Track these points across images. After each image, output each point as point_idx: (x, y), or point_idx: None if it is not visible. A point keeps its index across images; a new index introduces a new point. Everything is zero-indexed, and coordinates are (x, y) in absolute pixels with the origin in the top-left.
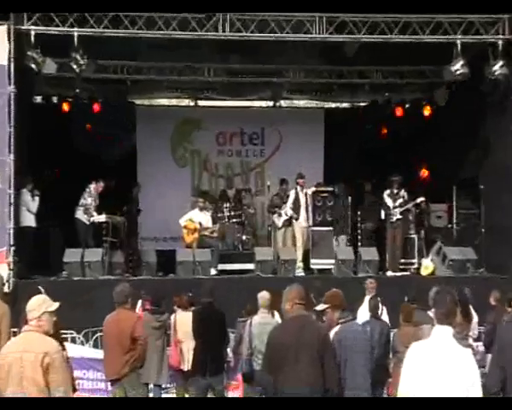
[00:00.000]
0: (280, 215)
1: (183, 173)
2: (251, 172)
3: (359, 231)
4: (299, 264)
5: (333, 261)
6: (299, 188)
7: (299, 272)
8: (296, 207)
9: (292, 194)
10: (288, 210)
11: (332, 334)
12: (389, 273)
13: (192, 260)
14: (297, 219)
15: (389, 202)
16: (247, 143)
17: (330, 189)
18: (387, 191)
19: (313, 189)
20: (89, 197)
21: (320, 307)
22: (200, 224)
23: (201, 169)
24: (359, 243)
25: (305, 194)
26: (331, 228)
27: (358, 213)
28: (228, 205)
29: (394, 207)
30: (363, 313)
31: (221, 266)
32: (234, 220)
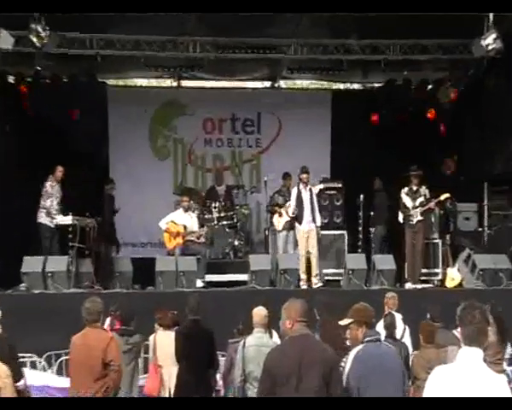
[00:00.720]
0: (281, 216)
1: (163, 167)
2: (244, 165)
3: (371, 236)
4: (302, 275)
5: (341, 271)
6: (301, 185)
7: (303, 284)
8: (299, 207)
9: (293, 192)
10: (291, 210)
11: (353, 353)
12: (408, 286)
13: (174, 270)
14: (300, 222)
15: (408, 201)
16: (239, 131)
17: (338, 185)
18: (406, 189)
19: (321, 186)
20: (48, 198)
21: (344, 321)
22: (185, 227)
23: (185, 162)
24: (372, 250)
25: (310, 191)
26: (343, 232)
27: (371, 213)
28: (217, 204)
29: (414, 208)
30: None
31: (209, 277)
32: (224, 223)
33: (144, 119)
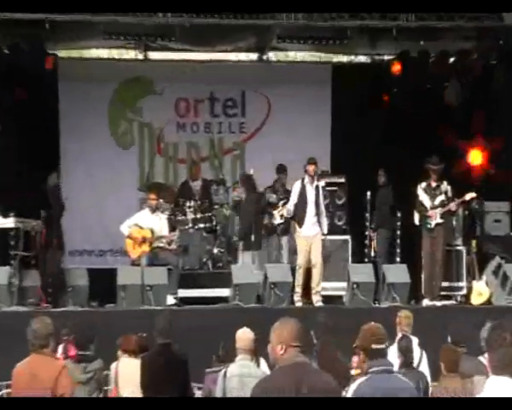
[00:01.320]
0: (272, 217)
1: (126, 158)
2: (226, 155)
3: (372, 242)
4: (297, 289)
5: (344, 285)
6: (307, 179)
7: (297, 301)
8: (301, 206)
9: (296, 186)
10: (288, 209)
11: (352, 388)
12: (425, 303)
13: (140, 284)
14: (301, 226)
15: (425, 199)
16: (219, 114)
17: (341, 180)
18: (423, 184)
19: (321, 183)
20: None
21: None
22: (152, 231)
23: (154, 151)
24: (380, 259)
25: (316, 189)
26: (346, 237)
27: (373, 214)
28: (192, 204)
29: (433, 207)
30: (392, 360)
31: (182, 293)
32: (201, 226)
33: (103, 99)
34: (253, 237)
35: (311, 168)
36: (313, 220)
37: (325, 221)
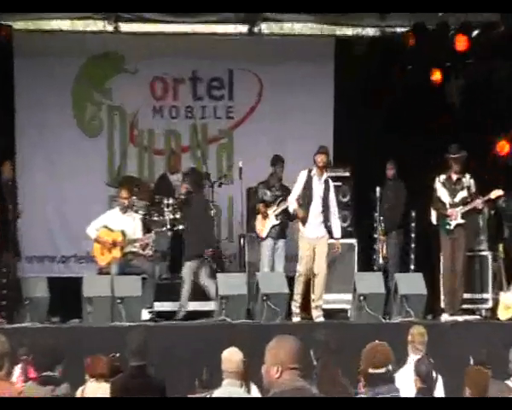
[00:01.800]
0: (266, 218)
1: (93, 147)
2: (211, 144)
3: (379, 246)
4: (295, 302)
5: (350, 297)
6: (315, 170)
7: (295, 316)
8: (305, 202)
9: (301, 177)
10: (290, 203)
11: None
12: (445, 317)
13: (110, 296)
14: (304, 223)
15: (444, 194)
16: (203, 97)
17: (346, 173)
18: (442, 177)
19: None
20: None
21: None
22: (124, 234)
23: (126, 140)
24: (387, 265)
25: (326, 183)
26: (352, 241)
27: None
28: (171, 202)
29: (453, 205)
30: (404, 385)
31: (159, 306)
32: (181, 228)
33: (66, 78)
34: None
35: (320, 158)
36: (318, 220)
37: (337, 223)
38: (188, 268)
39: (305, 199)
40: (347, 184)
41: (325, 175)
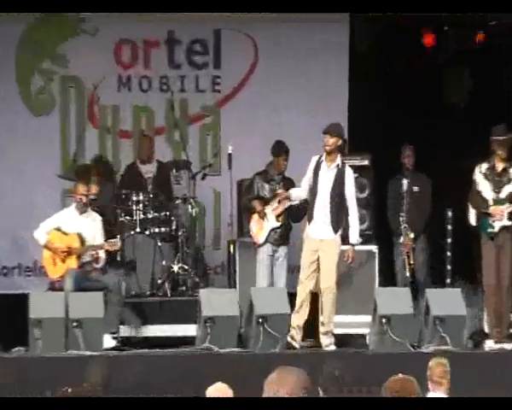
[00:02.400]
0: (263, 218)
1: (42, 129)
2: (192, 125)
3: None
4: (296, 324)
5: (369, 319)
6: (325, 157)
7: (298, 343)
8: (310, 195)
9: (311, 164)
10: (295, 193)
11: None
12: (489, 345)
13: (63, 318)
14: (309, 222)
15: (486, 188)
16: (182, 64)
17: (364, 162)
18: (483, 166)
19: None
20: None
21: None
22: (81, 238)
23: (83, 120)
24: (416, 279)
25: (339, 173)
26: (372, 247)
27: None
28: (141, 198)
29: (497, 202)
30: None
31: (126, 331)
32: (154, 231)
33: (7, 42)
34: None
35: (325, 140)
36: (324, 218)
37: (355, 225)
38: None
39: (311, 191)
40: (365, 175)
41: (336, 162)
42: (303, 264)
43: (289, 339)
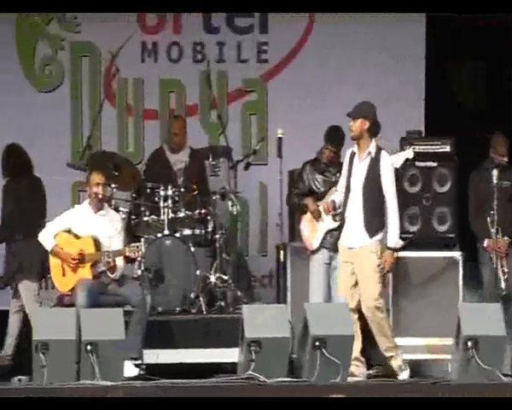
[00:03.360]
0: (317, 219)
1: (48, 107)
2: (232, 104)
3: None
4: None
5: (451, 341)
6: (356, 148)
7: (361, 374)
8: (345, 197)
9: (346, 158)
10: (331, 201)
11: None
12: None
13: (74, 340)
14: (341, 228)
15: None
16: (220, 28)
17: (445, 148)
18: None
19: (409, 152)
20: None
21: None
22: (96, 242)
23: (99, 97)
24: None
25: (372, 165)
26: (455, 254)
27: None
28: (171, 192)
29: None
30: None
31: (152, 356)
32: (187, 233)
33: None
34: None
35: (351, 125)
36: (357, 221)
37: (394, 224)
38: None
39: (345, 190)
40: (447, 165)
41: (368, 150)
42: (339, 277)
43: (353, 368)
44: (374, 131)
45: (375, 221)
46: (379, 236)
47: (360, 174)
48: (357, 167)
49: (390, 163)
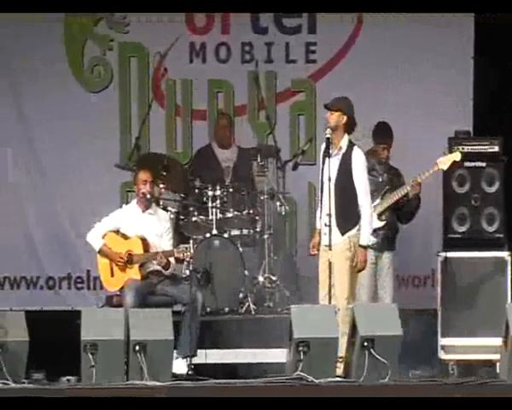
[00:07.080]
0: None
1: (96, 109)
2: (280, 104)
3: None
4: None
5: (499, 341)
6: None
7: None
8: (320, 194)
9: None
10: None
11: None
12: None
13: (122, 339)
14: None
15: None
16: (268, 28)
17: (494, 149)
18: None
19: (456, 155)
20: None
21: None
22: (145, 242)
23: (147, 97)
24: None
25: (344, 160)
26: (503, 254)
27: None
28: (219, 192)
29: None
30: None
31: (201, 356)
32: (235, 233)
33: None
34: None
35: (327, 116)
36: (327, 219)
37: (366, 221)
38: None
39: (321, 186)
40: (495, 165)
41: (341, 147)
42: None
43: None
44: (349, 127)
45: (346, 218)
46: (351, 232)
47: (332, 171)
48: (331, 164)
49: (362, 159)
